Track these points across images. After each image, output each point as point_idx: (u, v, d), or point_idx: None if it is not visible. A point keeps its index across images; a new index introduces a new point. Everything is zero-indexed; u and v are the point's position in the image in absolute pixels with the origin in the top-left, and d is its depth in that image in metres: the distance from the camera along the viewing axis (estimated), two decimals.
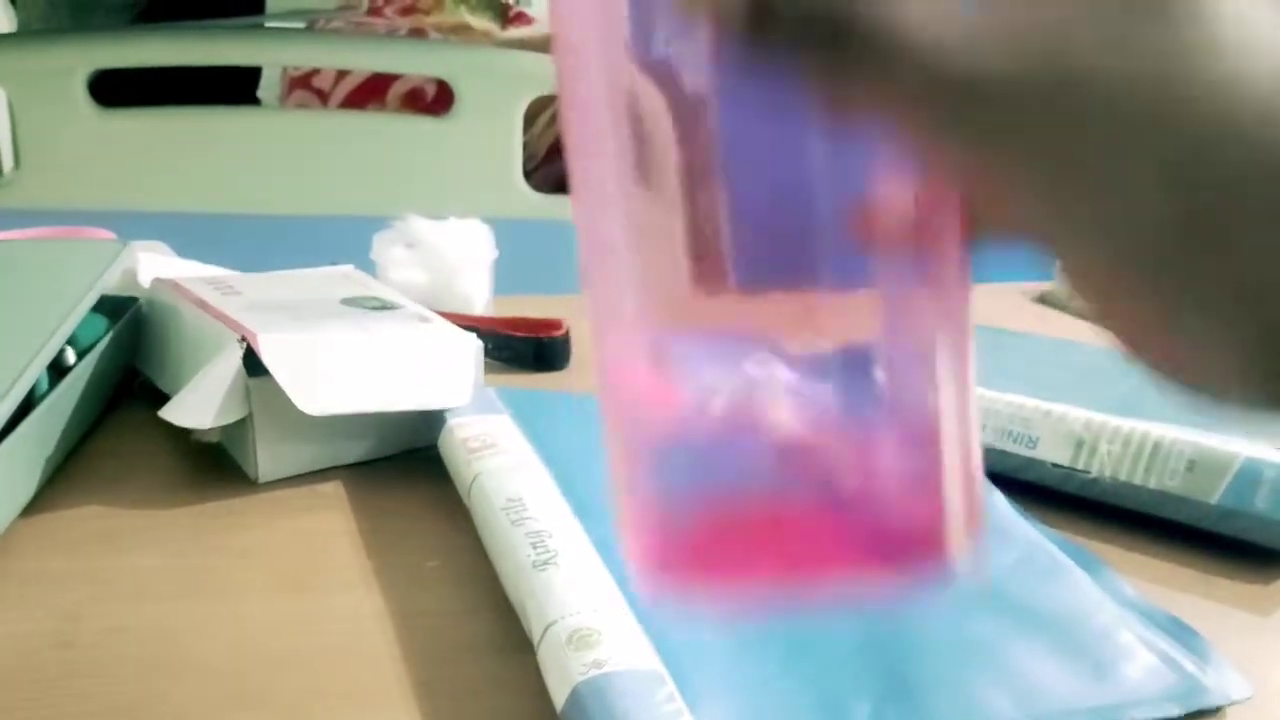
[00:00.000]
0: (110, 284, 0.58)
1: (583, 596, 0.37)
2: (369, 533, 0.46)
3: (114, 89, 1.12)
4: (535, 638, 0.36)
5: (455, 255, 0.70)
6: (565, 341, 0.66)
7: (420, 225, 0.72)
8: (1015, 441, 0.50)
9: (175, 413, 0.48)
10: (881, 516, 0.21)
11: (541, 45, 1.84)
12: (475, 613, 0.41)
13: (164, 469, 0.51)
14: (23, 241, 0.62)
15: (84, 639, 0.38)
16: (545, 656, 0.35)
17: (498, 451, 0.47)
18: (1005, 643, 0.38)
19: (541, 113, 1.37)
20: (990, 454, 0.51)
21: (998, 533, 0.45)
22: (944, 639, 0.38)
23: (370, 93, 1.36)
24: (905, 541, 0.21)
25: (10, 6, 1.58)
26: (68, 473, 0.50)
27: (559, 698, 0.33)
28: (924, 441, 0.21)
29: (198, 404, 0.48)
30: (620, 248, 0.21)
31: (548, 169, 1.35)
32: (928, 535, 0.21)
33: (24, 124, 1.13)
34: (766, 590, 0.21)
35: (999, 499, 0.47)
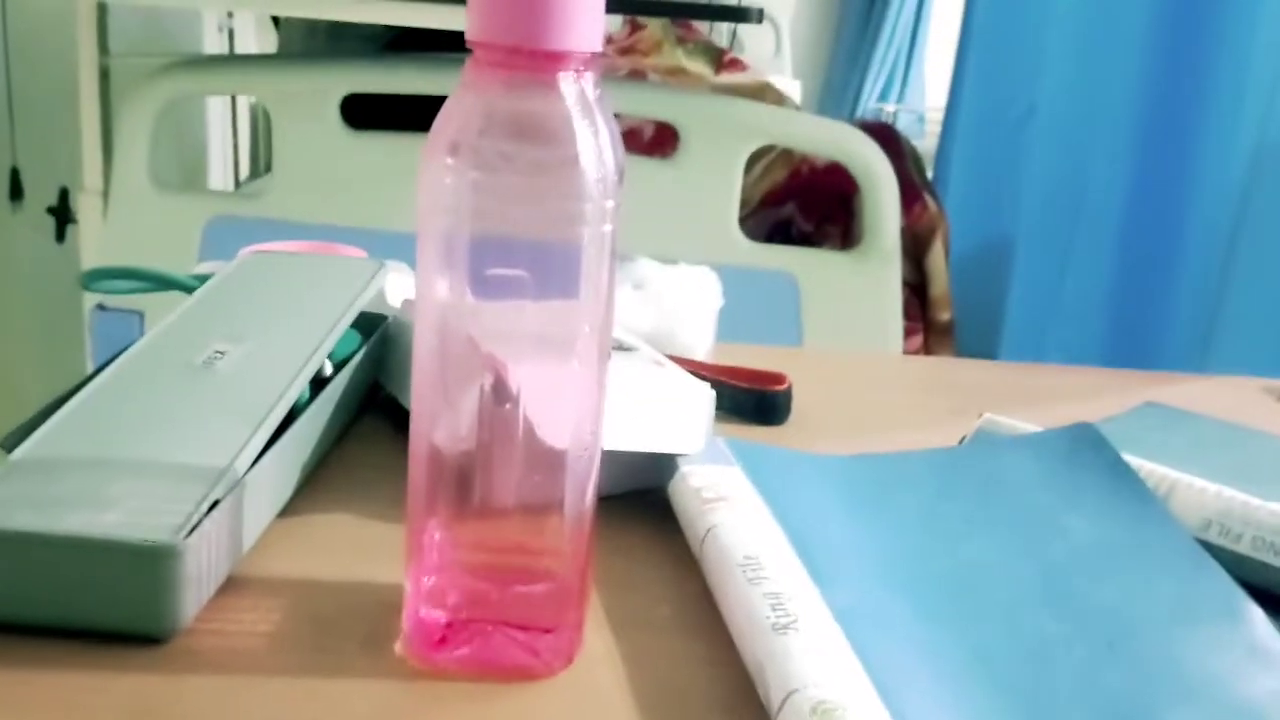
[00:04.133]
0: (366, 301, 0.61)
1: (826, 667, 0.36)
2: (597, 571, 0.47)
3: (362, 112, 1.19)
4: (774, 703, 0.36)
5: (683, 301, 0.71)
6: (788, 396, 0.65)
7: (649, 267, 0.73)
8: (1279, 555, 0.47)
9: None
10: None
11: (754, 93, 1.85)
12: (707, 665, 0.41)
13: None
14: (291, 255, 0.66)
15: (338, 645, 0.40)
16: None
17: (731, 504, 0.47)
18: None
19: (757, 162, 1.38)
20: (1249, 566, 0.48)
21: (1259, 656, 0.42)
22: None
23: None
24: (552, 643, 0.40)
25: (274, 29, 1.70)
26: (321, 479, 0.52)
27: None
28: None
29: None
30: None
31: (759, 216, 1.36)
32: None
33: (280, 138, 1.21)
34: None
35: (1258, 617, 0.44)
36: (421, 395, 0.40)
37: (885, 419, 0.68)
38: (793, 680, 0.36)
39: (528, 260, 0.38)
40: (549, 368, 0.40)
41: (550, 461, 0.40)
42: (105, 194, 1.25)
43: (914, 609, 0.42)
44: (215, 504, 0.41)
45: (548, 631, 0.40)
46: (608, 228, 0.38)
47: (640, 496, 0.53)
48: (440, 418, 0.40)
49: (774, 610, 0.39)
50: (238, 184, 2.02)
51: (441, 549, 0.40)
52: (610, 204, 0.38)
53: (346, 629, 0.41)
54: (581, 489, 0.40)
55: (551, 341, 0.40)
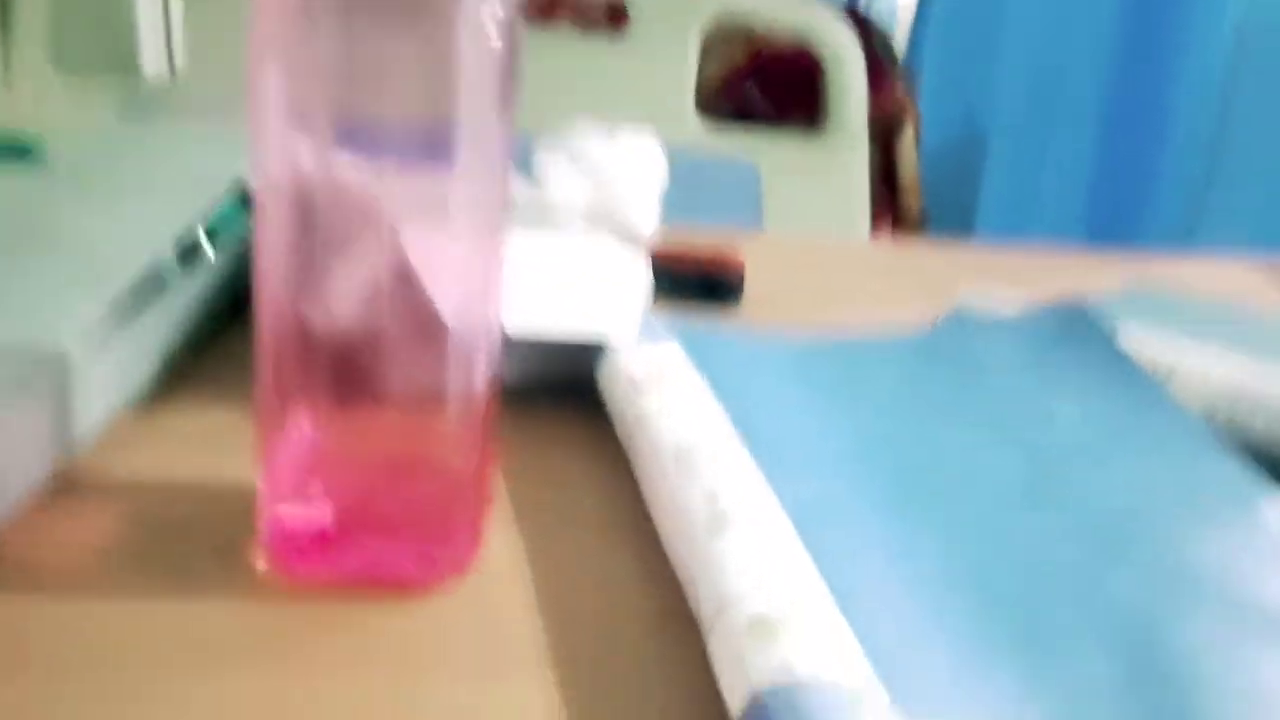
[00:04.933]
0: None
1: (768, 575, 0.30)
2: (512, 473, 0.40)
3: None
4: (707, 619, 0.29)
5: (624, 174, 0.64)
6: (740, 278, 0.58)
7: (586, 137, 0.65)
8: None
9: None
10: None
11: None
12: (633, 580, 0.34)
13: None
14: (166, 129, 0.58)
15: (188, 559, 0.34)
16: (719, 646, 0.28)
17: (667, 387, 0.40)
18: None
19: (715, 45, 1.29)
20: (1262, 452, 0.41)
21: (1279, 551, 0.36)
22: (1227, 680, 0.30)
23: (540, 10, 1.30)
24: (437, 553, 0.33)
25: None
26: (193, 370, 0.45)
27: (735, 702, 0.27)
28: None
29: None
30: None
31: (718, 101, 1.27)
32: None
33: (194, 20, 1.11)
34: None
35: (1276, 508, 0.38)
36: (274, 260, 0.32)
37: (850, 304, 0.61)
38: (727, 591, 0.29)
39: (401, 112, 0.31)
40: (431, 237, 0.33)
41: (436, 344, 0.33)
42: (3, 77, 1.15)
43: (881, 506, 0.36)
44: (29, 388, 0.34)
45: (438, 538, 0.33)
46: (496, 71, 0.31)
47: (568, 386, 0.46)
48: (304, 288, 0.32)
49: (710, 510, 0.33)
50: (172, 70, 1.89)
51: (310, 444, 0.33)
52: (497, 44, 0.30)
53: (200, 539, 0.34)
54: (470, 375, 0.33)
55: (431, 208, 0.33)
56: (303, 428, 0.33)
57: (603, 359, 0.44)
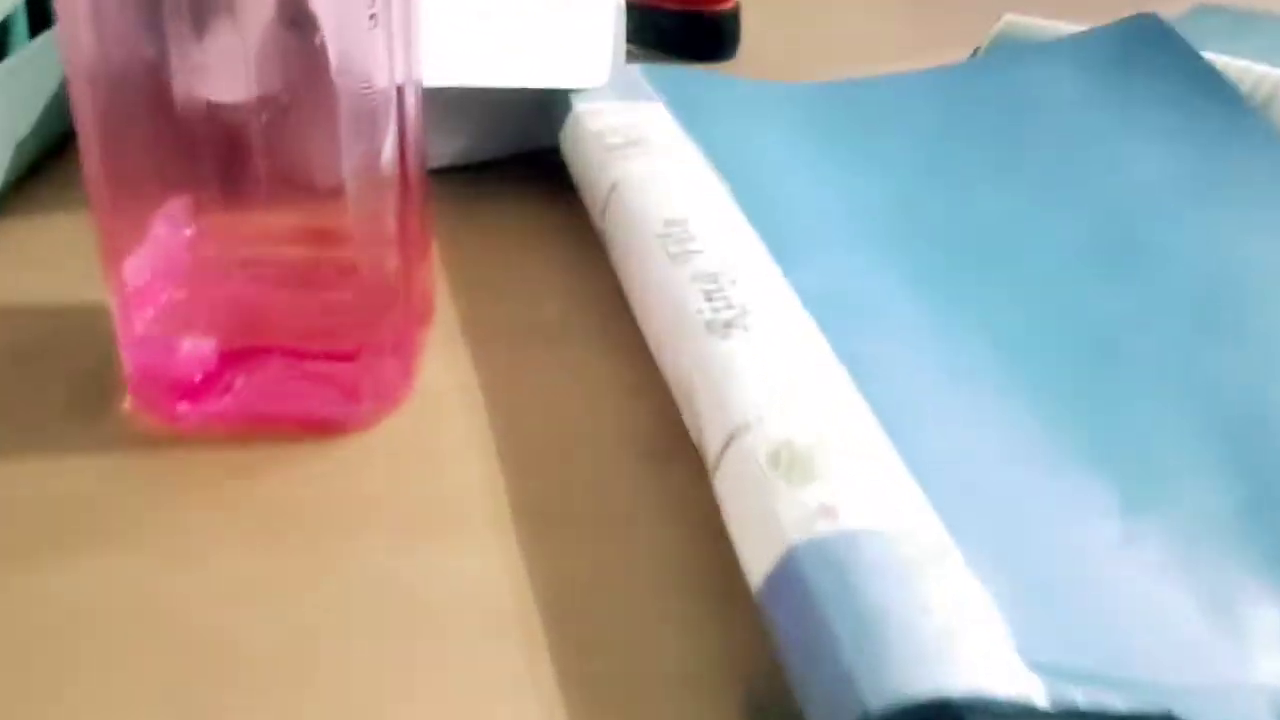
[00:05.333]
0: None
1: (794, 387, 0.22)
2: (460, 265, 0.32)
3: None
4: (712, 449, 0.22)
5: None
6: (735, 18, 0.48)
7: None
8: None
9: None
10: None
11: None
12: (612, 405, 0.27)
13: None
14: None
15: (36, 400, 0.26)
16: (730, 484, 0.21)
17: (648, 150, 0.31)
18: None
19: None
20: None
21: None
22: None
23: None
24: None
25: None
26: (59, 168, 0.36)
27: (759, 559, 0.19)
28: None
29: None
30: None
31: None
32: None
33: None
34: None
35: None
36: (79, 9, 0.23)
37: (868, 50, 0.51)
38: (738, 410, 0.21)
39: None
40: None
41: (328, 112, 0.24)
42: None
43: (920, 288, 0.28)
44: None
45: (360, 365, 0.25)
46: None
47: (528, 161, 0.37)
48: (147, 47, 0.24)
49: (710, 301, 0.24)
50: None
51: (179, 255, 0.25)
52: None
53: (47, 374, 0.27)
54: (373, 149, 0.24)
55: None
56: (169, 235, 0.25)
57: (565, 121, 0.35)
